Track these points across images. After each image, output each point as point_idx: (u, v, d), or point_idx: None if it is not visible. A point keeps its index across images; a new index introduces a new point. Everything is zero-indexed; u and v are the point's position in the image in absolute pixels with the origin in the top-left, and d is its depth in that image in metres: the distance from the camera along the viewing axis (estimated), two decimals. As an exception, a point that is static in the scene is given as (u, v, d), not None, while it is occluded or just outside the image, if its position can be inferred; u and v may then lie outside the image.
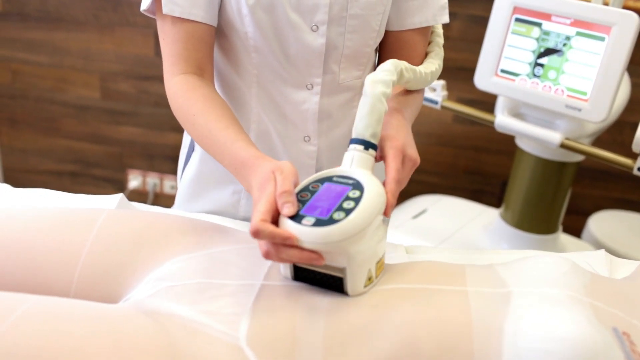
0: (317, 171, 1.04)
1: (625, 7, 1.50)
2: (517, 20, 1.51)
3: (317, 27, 0.91)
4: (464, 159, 2.31)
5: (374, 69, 1.03)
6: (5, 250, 0.80)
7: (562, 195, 1.74)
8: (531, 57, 1.50)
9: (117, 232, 0.82)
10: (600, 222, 2.13)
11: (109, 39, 2.28)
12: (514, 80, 1.53)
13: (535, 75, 1.50)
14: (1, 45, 2.34)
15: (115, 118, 2.41)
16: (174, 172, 2.44)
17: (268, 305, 0.72)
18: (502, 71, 1.54)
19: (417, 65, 0.94)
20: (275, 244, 0.68)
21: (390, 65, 0.81)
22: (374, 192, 0.71)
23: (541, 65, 1.49)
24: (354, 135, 0.78)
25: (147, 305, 0.73)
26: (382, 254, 0.75)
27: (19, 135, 2.50)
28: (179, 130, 2.22)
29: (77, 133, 2.46)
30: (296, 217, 0.69)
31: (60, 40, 2.30)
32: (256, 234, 0.66)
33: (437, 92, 1.67)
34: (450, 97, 1.72)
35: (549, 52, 1.48)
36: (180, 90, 0.89)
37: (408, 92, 0.96)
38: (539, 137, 1.52)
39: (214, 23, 0.92)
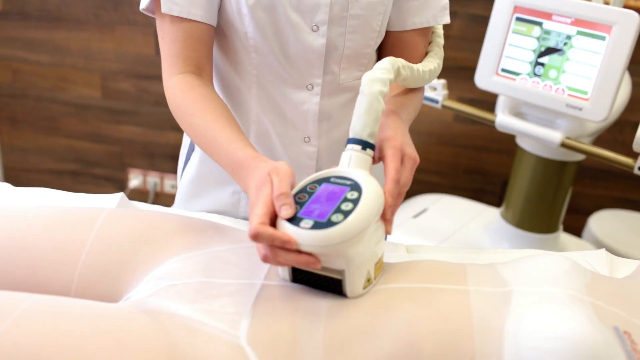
0: (316, 172, 1.04)
1: (626, 7, 1.49)
2: (518, 19, 1.51)
3: (318, 27, 0.91)
4: (464, 158, 2.31)
5: (374, 69, 1.03)
6: (5, 249, 0.80)
7: (562, 194, 1.74)
8: (532, 57, 1.50)
9: (118, 231, 0.82)
10: (601, 222, 2.13)
11: (110, 38, 2.28)
12: (514, 79, 1.53)
13: (536, 75, 1.50)
14: (2, 44, 2.34)
15: (115, 117, 2.41)
16: (174, 171, 2.43)
17: (268, 304, 0.72)
18: (503, 70, 1.54)
19: None
20: (273, 248, 0.67)
21: (387, 63, 0.80)
22: (372, 194, 0.71)
23: (542, 64, 1.49)
24: (351, 135, 0.77)
25: (148, 304, 0.73)
26: (381, 254, 0.75)
27: (19, 134, 2.50)
28: (180, 130, 2.22)
29: (78, 132, 2.46)
30: (294, 220, 0.68)
31: (61, 40, 2.30)
32: (256, 237, 0.66)
33: (437, 91, 1.67)
34: (450, 97, 1.71)
35: (549, 51, 1.47)
36: (179, 90, 0.89)
37: (407, 91, 0.96)
38: (539, 137, 1.52)
39: (213, 22, 0.92)
